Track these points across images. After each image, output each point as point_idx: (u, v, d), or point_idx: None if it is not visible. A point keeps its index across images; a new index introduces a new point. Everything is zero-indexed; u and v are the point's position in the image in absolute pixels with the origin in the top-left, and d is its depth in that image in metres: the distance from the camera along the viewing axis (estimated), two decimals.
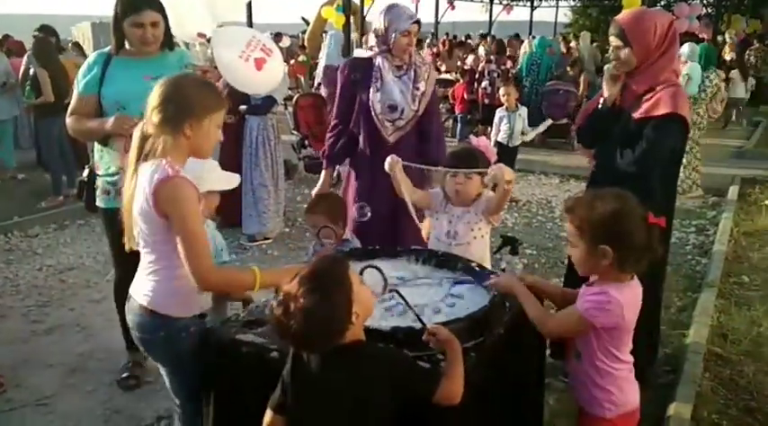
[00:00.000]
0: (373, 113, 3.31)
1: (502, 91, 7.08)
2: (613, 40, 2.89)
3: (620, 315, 1.91)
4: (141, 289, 2.06)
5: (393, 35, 3.24)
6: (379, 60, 3.33)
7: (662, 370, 3.43)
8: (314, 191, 3.48)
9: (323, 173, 3.62)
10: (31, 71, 6.78)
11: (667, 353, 3.66)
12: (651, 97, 2.81)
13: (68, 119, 3.07)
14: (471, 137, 3.45)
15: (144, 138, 2.01)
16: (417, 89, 3.34)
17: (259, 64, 3.66)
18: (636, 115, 2.83)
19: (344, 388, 1.62)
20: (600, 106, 2.99)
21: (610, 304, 1.89)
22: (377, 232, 3.15)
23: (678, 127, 2.80)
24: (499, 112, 6.97)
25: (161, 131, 1.97)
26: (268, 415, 1.77)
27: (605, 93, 2.95)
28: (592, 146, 3.18)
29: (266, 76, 3.71)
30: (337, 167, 3.83)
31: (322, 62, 9.52)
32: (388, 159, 2.76)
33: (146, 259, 2.04)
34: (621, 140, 2.86)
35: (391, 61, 3.32)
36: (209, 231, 2.36)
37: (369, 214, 2.95)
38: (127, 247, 2.09)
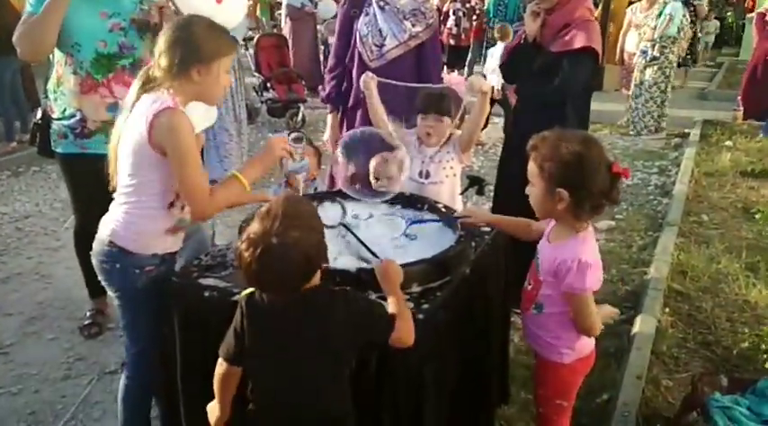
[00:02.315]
0: (359, 38, 3.26)
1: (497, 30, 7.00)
2: None
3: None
4: (109, 220, 2.05)
5: None
6: None
7: (623, 307, 3.50)
8: (324, 138, 3.40)
9: (329, 117, 3.52)
10: None
11: (628, 290, 3.75)
12: (567, 32, 2.96)
13: (18, 31, 2.82)
14: (443, 74, 3.38)
15: (148, 81, 1.95)
16: (407, 31, 3.21)
17: None
18: (553, 49, 2.98)
19: (309, 328, 1.58)
20: (522, 42, 3.14)
21: (583, 265, 1.84)
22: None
23: (591, 59, 3.00)
24: (500, 49, 6.78)
25: (168, 76, 1.92)
26: (222, 366, 1.71)
27: (527, 30, 3.09)
28: (514, 81, 3.48)
29: (228, 10, 3.50)
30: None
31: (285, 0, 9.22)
32: (363, 76, 2.69)
33: (121, 192, 2.01)
34: (541, 73, 3.00)
35: None
36: None
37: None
38: (111, 186, 2.04)
